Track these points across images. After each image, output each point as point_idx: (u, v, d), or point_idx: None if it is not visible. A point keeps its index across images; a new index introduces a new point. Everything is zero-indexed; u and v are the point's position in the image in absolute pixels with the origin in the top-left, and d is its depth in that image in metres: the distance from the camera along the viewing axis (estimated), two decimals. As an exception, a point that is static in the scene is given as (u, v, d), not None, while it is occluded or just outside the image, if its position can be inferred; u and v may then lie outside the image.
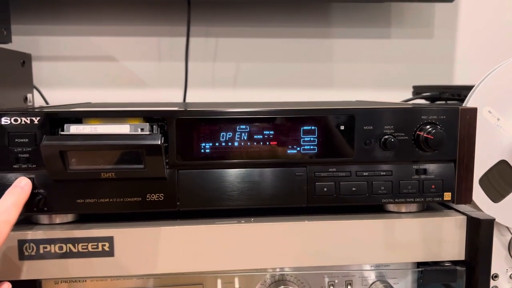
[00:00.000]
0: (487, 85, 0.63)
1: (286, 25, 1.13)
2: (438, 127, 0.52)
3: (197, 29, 1.10)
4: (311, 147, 0.52)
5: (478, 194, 0.62)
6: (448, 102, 0.88)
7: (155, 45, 1.11)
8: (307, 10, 1.13)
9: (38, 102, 0.98)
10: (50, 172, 0.49)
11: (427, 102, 0.95)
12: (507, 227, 0.65)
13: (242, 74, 1.13)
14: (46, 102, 1.00)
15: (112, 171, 0.49)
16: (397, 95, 1.13)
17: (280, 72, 1.14)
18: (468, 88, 0.66)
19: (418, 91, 0.98)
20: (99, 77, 1.10)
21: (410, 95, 1.02)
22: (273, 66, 1.14)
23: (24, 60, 0.90)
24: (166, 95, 1.11)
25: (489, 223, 0.52)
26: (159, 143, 0.48)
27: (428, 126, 0.52)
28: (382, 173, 0.53)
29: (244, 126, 0.51)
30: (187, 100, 1.09)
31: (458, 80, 1.18)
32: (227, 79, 1.13)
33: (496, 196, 0.64)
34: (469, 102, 0.62)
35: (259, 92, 1.14)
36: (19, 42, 1.00)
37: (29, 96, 0.92)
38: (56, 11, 1.07)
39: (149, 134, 0.49)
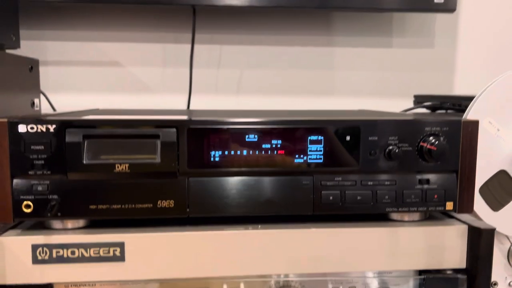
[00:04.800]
0: (487, 96, 0.64)
1: (289, 33, 1.14)
2: (441, 138, 0.54)
3: (202, 36, 1.11)
4: (318, 156, 0.54)
5: (478, 203, 0.63)
6: (449, 111, 0.90)
7: (160, 51, 1.12)
8: (310, 18, 1.15)
9: (44, 106, 0.99)
10: (68, 166, 0.50)
11: (428, 111, 0.96)
12: (506, 236, 0.67)
13: (245, 80, 1.15)
14: (52, 107, 1.01)
15: (126, 162, 0.51)
16: (398, 103, 1.15)
17: (282, 79, 1.15)
18: (469, 99, 0.68)
19: (419, 100, 0.99)
20: (104, 82, 1.11)
21: (411, 103, 1.04)
22: (276, 73, 1.15)
23: (32, 66, 0.91)
24: (170, 101, 1.13)
25: (490, 233, 0.54)
26: (175, 134, 0.51)
27: (431, 138, 0.54)
28: (386, 183, 0.55)
29: (252, 136, 0.53)
30: (191, 106, 1.11)
31: (459, 88, 1.19)
32: (231, 85, 1.15)
33: (496, 205, 0.65)
34: (470, 113, 0.64)
35: (262, 99, 1.15)
36: (25, 47, 1.02)
37: (36, 101, 0.93)
38: (62, 16, 1.09)
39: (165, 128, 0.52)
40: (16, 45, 0.86)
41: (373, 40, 1.17)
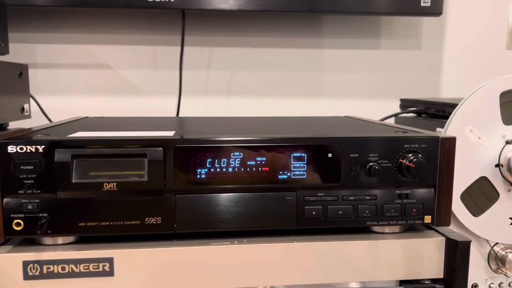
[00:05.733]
0: (469, 106, 0.66)
1: (278, 35, 1.15)
2: (419, 155, 0.56)
3: (192, 38, 1.12)
4: (301, 173, 0.55)
5: (460, 209, 0.66)
6: (434, 117, 0.91)
7: (150, 53, 1.13)
8: (300, 21, 1.16)
9: (34, 110, 0.99)
10: (57, 185, 0.51)
11: (414, 115, 0.98)
12: (486, 240, 0.69)
13: (235, 82, 1.16)
14: (43, 112, 1.02)
15: (114, 181, 0.52)
16: (386, 105, 1.17)
17: (272, 81, 1.17)
18: (453, 106, 0.69)
19: (405, 104, 1.01)
20: (95, 84, 1.12)
21: (397, 104, 1.05)
22: (265, 75, 1.16)
23: (21, 71, 0.92)
24: (160, 103, 1.14)
25: (466, 245, 0.56)
26: (162, 153, 0.53)
27: (410, 155, 0.55)
28: (367, 198, 0.57)
29: (238, 153, 0.54)
30: (181, 108, 1.12)
31: (445, 90, 1.21)
32: (221, 87, 1.16)
33: (476, 210, 0.67)
34: (452, 121, 0.66)
35: (251, 100, 1.17)
36: (14, 50, 1.02)
37: (25, 106, 0.93)
38: (52, 19, 1.09)
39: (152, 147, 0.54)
40: (5, 51, 0.87)
41: (361, 42, 1.18)
